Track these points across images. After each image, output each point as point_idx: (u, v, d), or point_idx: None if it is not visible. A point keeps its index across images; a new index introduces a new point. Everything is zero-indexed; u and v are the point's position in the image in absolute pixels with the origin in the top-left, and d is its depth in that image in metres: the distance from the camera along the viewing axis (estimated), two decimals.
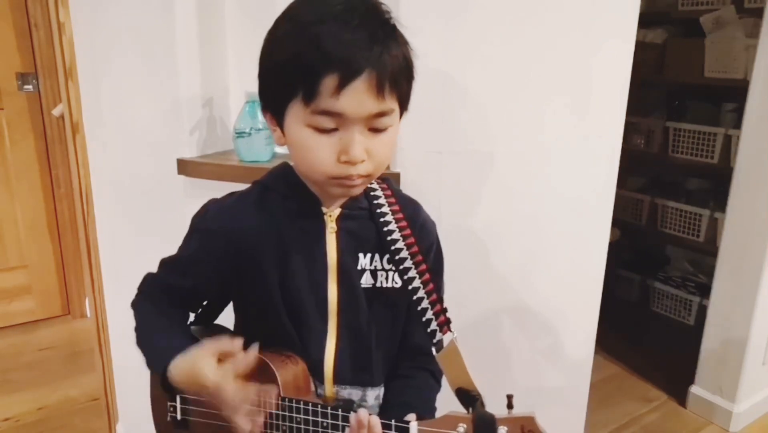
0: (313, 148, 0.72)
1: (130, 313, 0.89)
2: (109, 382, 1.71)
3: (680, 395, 2.13)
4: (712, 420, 2.02)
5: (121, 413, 1.72)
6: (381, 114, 0.71)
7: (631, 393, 2.20)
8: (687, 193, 2.58)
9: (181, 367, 0.76)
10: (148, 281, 0.90)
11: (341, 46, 0.66)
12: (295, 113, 0.71)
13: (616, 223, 1.46)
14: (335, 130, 0.70)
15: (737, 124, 2.02)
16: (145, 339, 0.85)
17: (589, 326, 1.41)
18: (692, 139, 2.44)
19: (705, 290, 2.29)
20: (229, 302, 0.90)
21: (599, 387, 1.95)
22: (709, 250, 2.27)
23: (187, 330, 0.88)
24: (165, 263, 0.88)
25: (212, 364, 0.73)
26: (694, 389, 2.08)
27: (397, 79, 0.71)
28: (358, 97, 0.68)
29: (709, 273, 2.08)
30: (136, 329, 0.86)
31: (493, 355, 1.25)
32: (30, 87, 2.44)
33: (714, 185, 2.49)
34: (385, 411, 0.85)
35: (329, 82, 0.67)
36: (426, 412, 0.83)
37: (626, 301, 2.81)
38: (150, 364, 0.83)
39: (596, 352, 1.46)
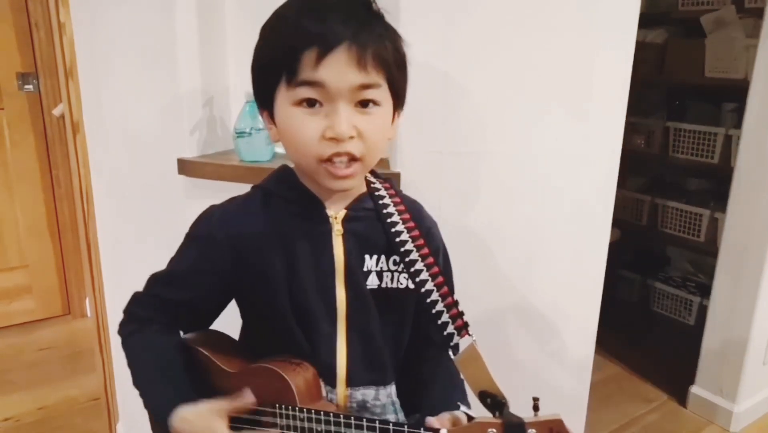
0: (299, 128, 0.71)
1: None
2: (109, 382, 1.71)
3: (680, 395, 2.13)
4: (713, 420, 2.02)
5: (121, 413, 1.72)
6: (365, 86, 0.70)
7: (632, 393, 2.20)
8: (687, 193, 2.58)
9: (189, 421, 0.75)
10: (138, 301, 0.87)
11: (319, 23, 0.68)
12: (282, 97, 0.72)
13: (616, 223, 1.46)
14: (320, 105, 0.70)
15: (738, 124, 2.02)
16: (142, 380, 0.83)
17: (590, 326, 1.41)
18: (693, 140, 2.44)
19: (705, 290, 2.29)
20: (224, 309, 0.88)
21: (599, 387, 1.95)
22: (710, 250, 2.27)
23: (184, 367, 0.84)
24: (157, 278, 0.85)
25: (224, 426, 0.74)
26: (695, 389, 2.08)
27: (380, 55, 0.71)
28: (338, 67, 0.68)
29: (710, 273, 2.08)
30: (130, 366, 0.84)
31: (493, 355, 1.25)
32: (30, 87, 2.44)
33: (714, 185, 2.50)
34: (418, 396, 0.85)
35: (309, 56, 0.68)
36: (460, 393, 0.83)
37: (627, 301, 2.81)
38: (150, 410, 0.82)
39: (596, 352, 1.46)
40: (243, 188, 0.87)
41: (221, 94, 1.30)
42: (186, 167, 1.24)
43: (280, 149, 1.24)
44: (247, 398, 0.76)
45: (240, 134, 1.19)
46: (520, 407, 0.66)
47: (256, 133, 1.18)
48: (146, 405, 0.83)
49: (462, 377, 0.72)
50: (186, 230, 0.85)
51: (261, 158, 1.20)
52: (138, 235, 1.44)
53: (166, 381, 0.81)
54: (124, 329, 0.86)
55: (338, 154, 0.71)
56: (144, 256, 1.30)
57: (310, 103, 0.70)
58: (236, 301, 0.86)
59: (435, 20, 1.07)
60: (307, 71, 0.69)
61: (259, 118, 1.17)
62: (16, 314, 2.58)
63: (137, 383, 0.83)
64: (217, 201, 0.85)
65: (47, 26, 2.33)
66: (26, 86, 2.43)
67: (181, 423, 0.75)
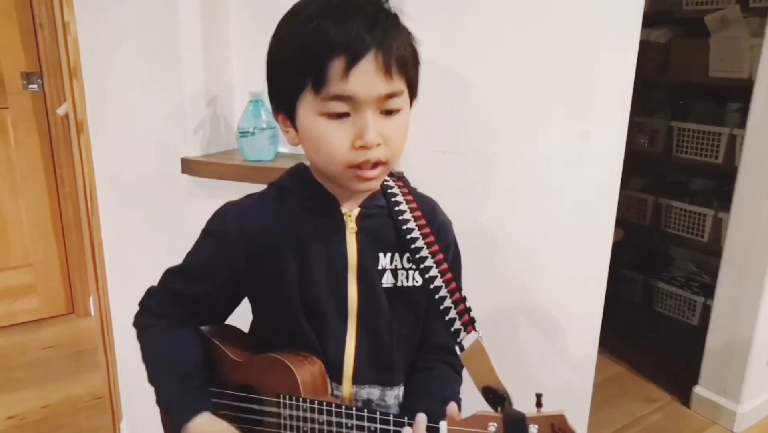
0: (327, 137, 0.72)
1: (134, 311, 0.88)
2: (113, 380, 1.72)
3: (684, 395, 2.13)
4: (716, 421, 2.02)
5: (125, 412, 1.72)
6: (391, 95, 0.71)
7: (635, 393, 2.20)
8: (691, 193, 2.57)
9: None
10: (154, 294, 0.88)
11: (344, 31, 0.68)
12: (307, 105, 0.72)
13: (619, 223, 1.46)
14: (347, 115, 0.71)
15: (742, 123, 2.02)
16: (157, 378, 0.83)
17: (593, 326, 1.41)
18: (696, 139, 2.44)
19: (709, 290, 2.29)
20: (239, 304, 0.89)
21: (602, 387, 1.95)
22: (713, 250, 2.26)
23: (200, 364, 0.85)
24: (173, 272, 0.86)
25: None
26: (698, 390, 2.08)
27: (403, 60, 0.71)
28: (366, 78, 0.68)
29: (713, 273, 2.07)
30: (145, 361, 0.84)
31: (496, 355, 1.25)
32: (35, 86, 2.45)
33: (718, 185, 2.49)
34: (408, 403, 0.85)
35: (336, 65, 0.68)
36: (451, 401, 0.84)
37: (630, 301, 2.80)
38: (165, 411, 0.82)
39: (599, 352, 1.45)
40: (246, 187, 0.88)
41: (225, 94, 1.31)
42: (190, 166, 1.24)
43: (283, 149, 1.24)
44: None
45: (243, 134, 1.19)
46: (523, 407, 0.66)
47: (259, 133, 1.18)
48: (161, 405, 0.84)
49: (467, 372, 0.73)
50: (190, 228, 0.86)
51: (264, 157, 1.20)
52: (142, 234, 1.44)
53: (181, 383, 0.82)
54: (139, 322, 0.88)
55: (367, 163, 0.72)
56: (148, 255, 1.31)
57: (340, 115, 0.71)
58: (248, 296, 0.87)
59: (438, 20, 1.07)
60: (336, 83, 0.68)
61: (263, 117, 1.18)
62: (21, 313, 2.59)
63: (153, 381, 0.83)
64: (221, 200, 0.86)
65: (51, 26, 2.34)
66: (31, 86, 2.44)
67: (203, 428, 0.77)
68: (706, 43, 2.31)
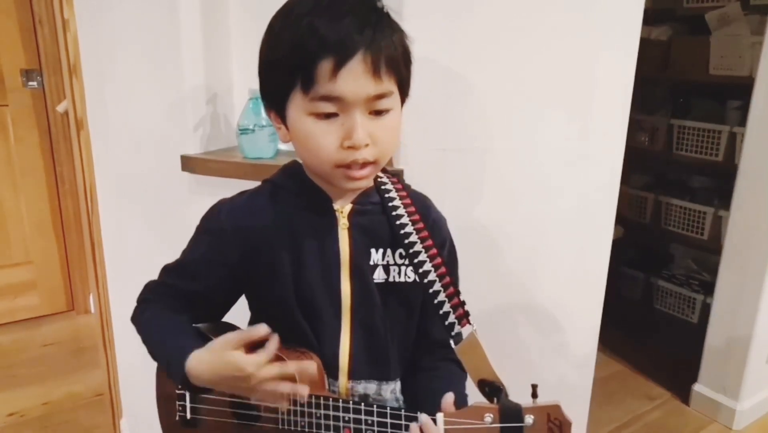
0: (316, 136, 0.72)
1: (133, 308, 0.89)
2: (113, 377, 1.72)
3: (683, 393, 2.13)
4: (716, 418, 2.02)
5: (125, 409, 1.73)
6: (380, 96, 0.71)
7: (634, 391, 2.20)
8: (691, 191, 2.57)
9: (206, 361, 0.74)
10: (151, 289, 0.88)
11: (334, 30, 0.68)
12: (296, 104, 0.72)
13: (619, 220, 1.46)
14: (336, 115, 0.71)
15: (742, 121, 2.01)
16: (157, 345, 0.82)
17: (593, 324, 1.41)
18: (697, 137, 2.43)
19: (709, 288, 2.29)
20: (236, 302, 0.90)
21: (602, 385, 1.95)
22: (713, 248, 2.26)
23: (197, 331, 0.85)
24: (170, 269, 0.87)
25: (242, 353, 0.71)
26: (698, 387, 2.08)
27: (393, 60, 0.71)
28: (354, 79, 0.68)
29: (713, 271, 2.08)
30: (145, 340, 0.83)
31: (496, 352, 1.25)
32: (34, 83, 2.44)
33: (718, 183, 2.49)
34: (414, 403, 0.85)
35: (325, 66, 0.68)
36: (458, 398, 0.84)
37: (630, 299, 2.80)
38: (168, 365, 0.79)
39: (599, 350, 1.46)
40: (246, 185, 0.88)
41: (225, 91, 1.30)
42: (190, 164, 1.24)
43: (283, 146, 1.24)
44: (260, 329, 0.72)
45: (243, 131, 1.19)
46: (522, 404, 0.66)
47: (259, 130, 1.18)
48: (161, 363, 0.83)
49: (463, 366, 0.73)
50: (190, 226, 0.86)
51: (264, 155, 1.20)
52: (142, 231, 1.44)
53: (177, 336, 0.80)
54: (135, 313, 0.87)
55: (355, 163, 0.72)
56: (148, 252, 1.31)
57: (328, 115, 0.71)
58: (245, 293, 0.87)
59: (438, 18, 1.07)
60: (325, 83, 0.68)
61: (263, 114, 1.18)
62: (21, 310, 2.59)
63: (152, 349, 0.82)
64: (221, 198, 0.86)
65: (51, 23, 2.34)
66: (30, 83, 2.44)
67: (198, 365, 0.74)
68: (707, 40, 2.30)
